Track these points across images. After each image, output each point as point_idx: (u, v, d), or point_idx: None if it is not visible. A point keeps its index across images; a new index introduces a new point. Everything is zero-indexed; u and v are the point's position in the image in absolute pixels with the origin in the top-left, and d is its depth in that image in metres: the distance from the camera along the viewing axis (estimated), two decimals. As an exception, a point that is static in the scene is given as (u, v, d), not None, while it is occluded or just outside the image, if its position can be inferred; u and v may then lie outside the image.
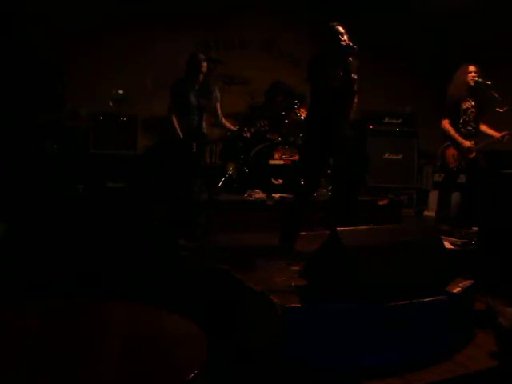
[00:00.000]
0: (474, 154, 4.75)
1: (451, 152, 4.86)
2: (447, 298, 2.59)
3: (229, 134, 4.58)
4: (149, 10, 6.51)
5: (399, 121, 6.78)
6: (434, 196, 6.47)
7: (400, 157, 6.62)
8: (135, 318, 1.78)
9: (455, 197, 6.17)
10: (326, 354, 2.30)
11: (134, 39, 6.35)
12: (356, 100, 3.84)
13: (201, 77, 4.32)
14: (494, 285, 3.10)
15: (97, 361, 1.45)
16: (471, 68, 4.75)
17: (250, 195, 5.63)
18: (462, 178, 6.33)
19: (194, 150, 4.21)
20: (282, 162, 6.21)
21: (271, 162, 6.15)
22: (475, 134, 4.82)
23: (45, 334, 1.60)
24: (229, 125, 4.63)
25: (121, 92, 3.86)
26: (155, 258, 3.66)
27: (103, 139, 5.59)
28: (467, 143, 4.75)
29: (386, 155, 6.61)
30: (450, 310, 2.59)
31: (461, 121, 4.82)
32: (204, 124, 4.36)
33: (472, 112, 4.80)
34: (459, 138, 4.76)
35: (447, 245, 3.70)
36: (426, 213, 6.30)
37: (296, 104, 6.13)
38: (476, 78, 4.69)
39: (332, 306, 2.33)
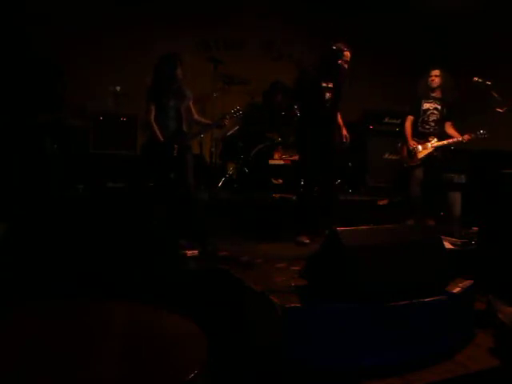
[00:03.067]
0: (419, 157, 4.90)
1: (406, 149, 5.07)
2: (447, 297, 2.59)
3: (213, 125, 4.57)
4: (149, 10, 6.51)
5: (399, 121, 6.77)
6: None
7: (400, 157, 6.61)
8: (135, 318, 1.78)
9: (455, 197, 6.17)
10: (326, 354, 2.30)
11: (134, 39, 6.34)
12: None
13: (177, 76, 4.31)
14: (493, 285, 3.10)
15: (97, 361, 1.45)
16: (433, 72, 4.92)
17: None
18: (463, 179, 6.34)
19: (176, 153, 4.21)
20: (281, 162, 6.21)
21: (271, 161, 6.15)
22: (432, 134, 4.93)
23: (45, 334, 1.60)
24: (204, 120, 4.63)
25: (118, 88, 3.85)
26: (155, 258, 3.66)
27: (103, 139, 5.58)
28: (412, 144, 4.94)
29: (386, 155, 6.61)
30: (450, 310, 2.59)
31: (420, 120, 4.99)
32: (183, 123, 4.36)
33: (432, 113, 4.95)
34: (407, 138, 4.99)
35: (447, 245, 3.70)
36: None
37: (296, 104, 6.12)
38: (435, 85, 4.87)
39: (332, 306, 2.34)
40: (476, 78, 4.56)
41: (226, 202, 5.34)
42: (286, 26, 7.35)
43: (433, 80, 4.91)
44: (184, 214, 4.29)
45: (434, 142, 4.89)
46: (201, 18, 6.83)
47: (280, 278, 2.91)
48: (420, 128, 4.99)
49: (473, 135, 4.75)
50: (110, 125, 5.63)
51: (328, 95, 4.08)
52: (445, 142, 4.88)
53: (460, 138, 4.82)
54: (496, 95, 4.44)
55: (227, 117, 4.59)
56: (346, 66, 4.09)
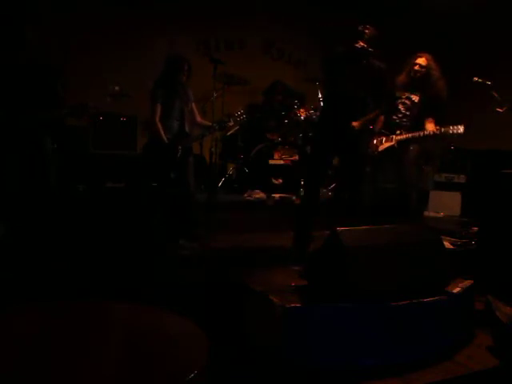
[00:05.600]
0: (379, 149, 4.44)
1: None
2: (447, 297, 2.59)
3: (216, 127, 4.56)
4: (149, 10, 6.51)
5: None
6: (434, 196, 6.48)
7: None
8: (135, 318, 1.78)
9: (455, 197, 6.18)
10: (326, 354, 2.30)
11: (134, 39, 6.35)
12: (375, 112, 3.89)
13: (182, 80, 4.31)
14: (493, 285, 3.10)
15: (97, 361, 1.45)
16: (419, 60, 4.33)
17: (249, 195, 5.62)
18: (462, 179, 6.35)
19: (180, 154, 4.22)
20: (281, 161, 6.22)
21: (271, 161, 6.17)
22: (400, 126, 4.41)
23: (45, 334, 1.60)
24: (206, 122, 4.63)
25: (117, 88, 3.84)
26: (155, 258, 3.66)
27: (103, 139, 5.59)
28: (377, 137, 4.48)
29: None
30: (450, 309, 2.59)
31: (388, 109, 4.45)
32: (186, 125, 4.36)
33: (403, 103, 4.41)
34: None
35: (447, 245, 3.70)
36: (425, 213, 6.30)
37: (296, 104, 6.13)
38: (418, 74, 4.29)
39: (332, 305, 2.34)
40: (476, 78, 4.53)
41: (225, 202, 5.34)
42: (286, 26, 7.35)
43: (418, 68, 4.31)
44: (183, 214, 4.29)
45: (397, 136, 4.38)
46: (201, 18, 6.83)
47: (280, 277, 2.91)
48: (387, 117, 4.47)
49: (443, 129, 4.23)
50: (110, 125, 5.63)
51: (349, 80, 3.68)
52: (408, 135, 4.34)
53: (426, 132, 4.27)
54: (496, 95, 4.43)
55: (231, 120, 4.59)
56: (365, 44, 3.66)
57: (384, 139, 4.45)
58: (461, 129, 4.15)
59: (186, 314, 1.73)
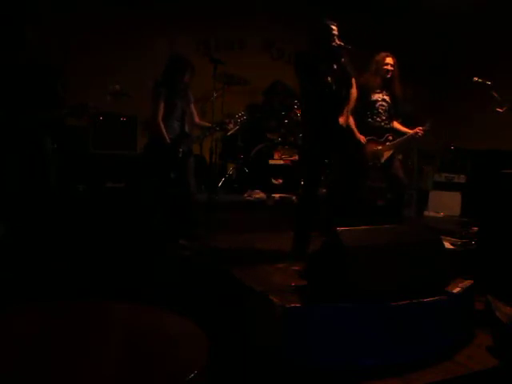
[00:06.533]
0: (382, 161, 4.45)
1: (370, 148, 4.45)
2: (447, 297, 2.59)
3: (217, 127, 4.55)
4: (149, 10, 6.51)
5: (399, 121, 6.78)
6: (433, 196, 6.48)
7: (400, 157, 6.62)
8: (135, 318, 1.78)
9: (455, 197, 6.18)
10: (326, 354, 2.30)
11: (134, 39, 6.35)
12: (352, 100, 3.85)
13: (184, 79, 4.32)
14: (493, 285, 3.10)
15: (97, 361, 1.45)
16: (388, 60, 4.37)
17: (249, 195, 5.62)
18: (462, 179, 6.36)
19: (181, 155, 4.22)
20: (281, 161, 6.22)
21: (271, 161, 6.16)
22: (388, 130, 4.48)
23: (45, 335, 1.60)
24: (204, 123, 4.64)
25: (117, 87, 3.85)
26: (155, 258, 3.66)
27: (103, 139, 5.59)
28: (374, 146, 4.40)
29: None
30: (450, 309, 2.59)
31: (368, 112, 4.41)
32: (186, 125, 4.36)
33: (382, 105, 4.43)
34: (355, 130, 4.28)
35: (447, 245, 3.71)
36: (425, 213, 6.31)
37: (296, 104, 6.13)
38: (390, 75, 4.32)
39: (332, 305, 2.34)
40: (476, 78, 4.53)
41: (225, 202, 5.34)
42: (286, 26, 7.35)
43: (387, 69, 4.33)
44: (184, 214, 4.29)
45: (392, 142, 4.43)
46: (201, 18, 6.83)
47: (280, 277, 2.91)
48: (370, 120, 4.41)
49: (424, 128, 4.40)
50: (110, 125, 5.63)
51: (330, 79, 3.63)
52: (401, 139, 4.45)
53: (414, 133, 4.42)
54: (496, 95, 4.42)
55: (232, 121, 4.59)
56: (339, 41, 3.59)
57: (381, 148, 4.45)
58: (429, 122, 4.44)
59: (186, 314, 1.73)
